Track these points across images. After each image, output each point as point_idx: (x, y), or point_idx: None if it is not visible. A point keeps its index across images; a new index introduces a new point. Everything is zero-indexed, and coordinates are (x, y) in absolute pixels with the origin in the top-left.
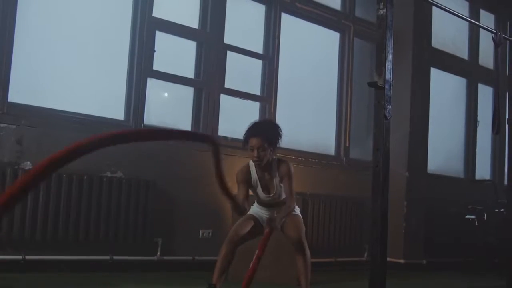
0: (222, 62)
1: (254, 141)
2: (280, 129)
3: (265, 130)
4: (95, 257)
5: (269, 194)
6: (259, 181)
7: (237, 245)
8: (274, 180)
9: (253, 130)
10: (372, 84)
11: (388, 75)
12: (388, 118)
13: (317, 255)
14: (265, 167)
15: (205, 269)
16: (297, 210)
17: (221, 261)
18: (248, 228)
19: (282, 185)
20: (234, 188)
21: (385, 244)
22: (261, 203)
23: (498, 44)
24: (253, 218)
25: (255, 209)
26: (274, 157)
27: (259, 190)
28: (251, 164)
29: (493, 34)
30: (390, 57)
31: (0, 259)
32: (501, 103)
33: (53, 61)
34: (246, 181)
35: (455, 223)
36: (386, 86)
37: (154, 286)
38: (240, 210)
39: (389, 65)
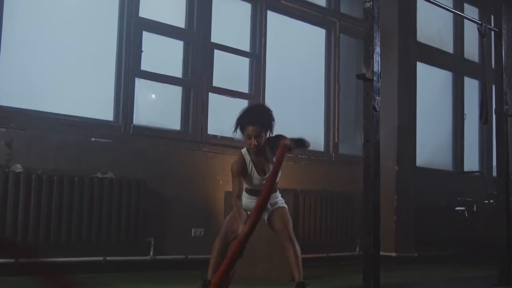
0: (209, 61)
1: (251, 130)
2: (272, 112)
3: (261, 117)
4: (88, 258)
5: (265, 175)
6: (254, 166)
7: (230, 240)
8: (268, 161)
9: (249, 118)
10: (360, 76)
11: (376, 67)
12: (378, 109)
13: (309, 251)
14: (258, 151)
15: (199, 268)
16: (283, 202)
17: (215, 257)
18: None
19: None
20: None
21: (378, 235)
22: (251, 191)
23: (483, 35)
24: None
25: (244, 202)
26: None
27: (255, 174)
28: (244, 151)
29: (478, 25)
30: (377, 49)
31: None
32: (488, 94)
33: (40, 63)
34: (242, 170)
35: (445, 216)
36: (375, 78)
37: (148, 286)
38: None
39: (377, 57)
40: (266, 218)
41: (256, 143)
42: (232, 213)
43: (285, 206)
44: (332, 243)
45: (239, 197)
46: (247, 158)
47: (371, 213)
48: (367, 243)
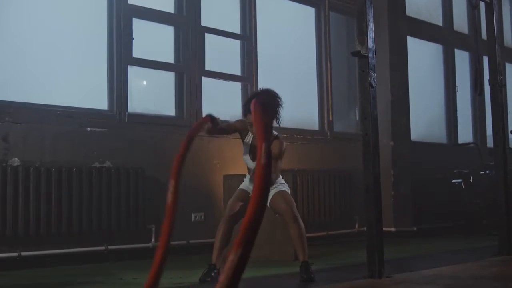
0: (200, 45)
1: None
2: (281, 99)
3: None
4: (90, 248)
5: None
6: (250, 148)
7: (233, 222)
8: None
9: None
10: (355, 54)
11: (371, 43)
12: (374, 86)
13: (309, 230)
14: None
15: (200, 252)
16: (287, 187)
17: (219, 241)
18: (241, 203)
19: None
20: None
21: (380, 210)
22: (252, 178)
23: (474, 6)
24: (245, 192)
25: (246, 184)
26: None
27: (247, 157)
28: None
29: None
30: (371, 25)
31: None
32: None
33: (32, 55)
34: (241, 129)
35: (443, 188)
36: (370, 54)
37: None
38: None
39: (370, 34)
40: (269, 202)
41: None
42: (234, 196)
43: (287, 190)
44: (331, 221)
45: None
46: (250, 136)
47: (372, 189)
48: (369, 218)
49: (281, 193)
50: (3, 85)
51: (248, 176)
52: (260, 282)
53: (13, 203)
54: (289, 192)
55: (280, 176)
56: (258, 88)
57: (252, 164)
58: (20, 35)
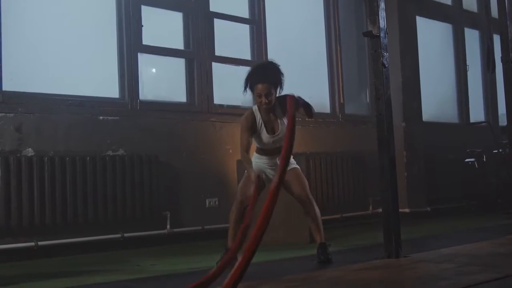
0: (210, 31)
1: (260, 88)
2: (280, 67)
3: (269, 74)
4: (106, 236)
5: (274, 134)
6: (264, 124)
7: (246, 206)
8: (278, 120)
9: (258, 76)
10: (367, 34)
11: (382, 23)
12: (387, 66)
13: (323, 212)
14: (269, 109)
15: (215, 237)
16: (295, 162)
17: (233, 225)
18: (252, 186)
19: (285, 120)
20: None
21: (396, 191)
22: (263, 151)
23: None
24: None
25: (257, 163)
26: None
27: (264, 133)
28: (255, 109)
29: None
30: (382, 5)
31: (13, 247)
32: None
33: (42, 46)
34: (251, 126)
35: (456, 168)
36: (381, 34)
37: (167, 259)
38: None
39: (382, 13)
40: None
41: (266, 101)
42: (244, 179)
43: (297, 166)
44: (345, 204)
45: (246, 151)
46: (258, 115)
47: (388, 170)
48: (385, 199)
49: (294, 171)
50: (15, 76)
51: (256, 155)
52: (277, 265)
53: (28, 193)
54: (299, 168)
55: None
56: (258, 63)
57: (268, 138)
58: (31, 26)
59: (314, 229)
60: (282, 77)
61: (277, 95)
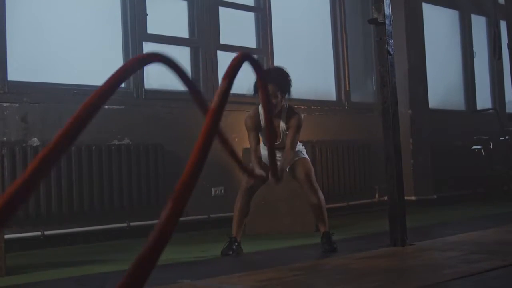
0: (215, 19)
1: None
2: (289, 77)
3: (277, 78)
4: (112, 225)
5: (275, 142)
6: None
7: (251, 194)
8: (281, 128)
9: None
10: (372, 21)
11: (387, 10)
12: (392, 53)
13: (329, 201)
14: (275, 114)
15: (221, 226)
16: (304, 152)
17: (238, 214)
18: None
19: (287, 133)
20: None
21: (401, 178)
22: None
23: None
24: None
25: (263, 153)
26: (285, 105)
27: (264, 134)
28: (260, 109)
29: None
30: None
31: (20, 237)
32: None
33: (47, 35)
34: (256, 125)
35: (462, 156)
36: (387, 22)
37: (173, 247)
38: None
39: (387, 0)
40: (288, 169)
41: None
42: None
43: (306, 156)
44: (351, 192)
45: (255, 151)
46: (262, 116)
47: (393, 157)
48: (391, 187)
49: (301, 161)
50: (19, 66)
51: (264, 147)
52: (283, 253)
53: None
54: (308, 159)
55: (300, 144)
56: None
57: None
58: (35, 17)
59: (318, 218)
60: (290, 84)
61: (287, 105)
